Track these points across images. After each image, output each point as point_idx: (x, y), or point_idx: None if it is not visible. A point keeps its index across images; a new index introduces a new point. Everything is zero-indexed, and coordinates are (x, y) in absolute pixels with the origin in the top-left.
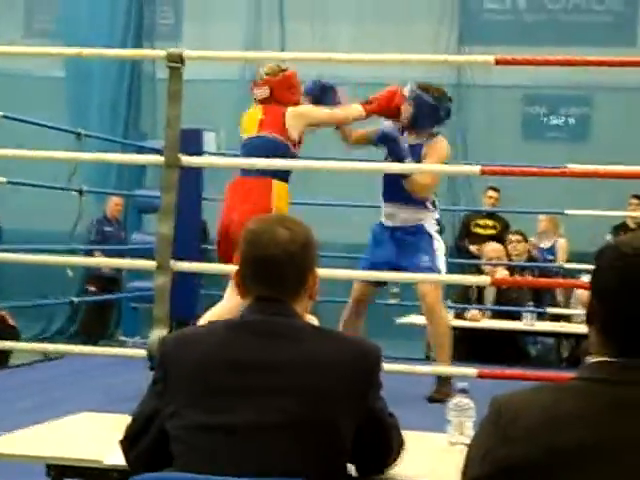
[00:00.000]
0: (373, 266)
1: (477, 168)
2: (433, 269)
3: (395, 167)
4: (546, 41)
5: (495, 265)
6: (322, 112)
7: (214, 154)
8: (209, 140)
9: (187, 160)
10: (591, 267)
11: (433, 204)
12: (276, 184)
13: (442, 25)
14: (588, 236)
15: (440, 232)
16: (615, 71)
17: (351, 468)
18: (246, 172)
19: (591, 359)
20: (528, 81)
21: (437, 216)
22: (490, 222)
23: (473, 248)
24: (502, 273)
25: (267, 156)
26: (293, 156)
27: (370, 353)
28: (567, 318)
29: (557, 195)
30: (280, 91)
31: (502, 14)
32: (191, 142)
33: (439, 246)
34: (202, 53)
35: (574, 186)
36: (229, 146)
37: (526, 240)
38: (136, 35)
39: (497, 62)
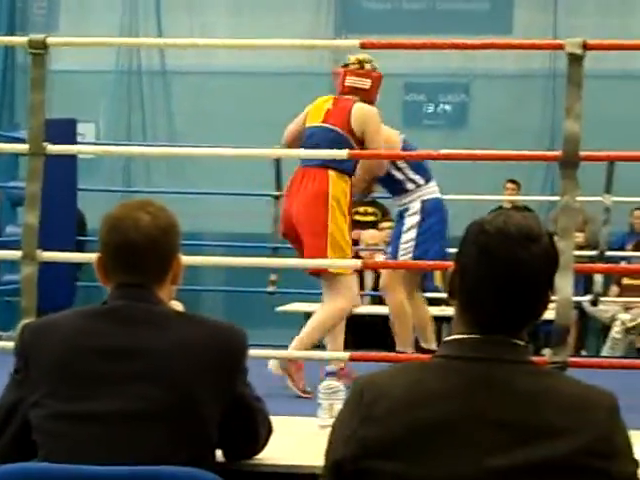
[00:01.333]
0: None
1: (344, 152)
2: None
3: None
4: (424, 30)
5: (372, 251)
6: (379, 140)
7: (91, 144)
8: (88, 131)
9: (53, 148)
10: None
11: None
12: (333, 174)
13: (320, 15)
14: (466, 221)
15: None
16: (492, 59)
17: (220, 454)
18: (306, 162)
19: (451, 336)
20: (407, 70)
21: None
22: (370, 209)
23: (355, 233)
24: (380, 259)
25: (328, 147)
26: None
27: (235, 338)
28: (446, 302)
29: (436, 181)
30: (376, 88)
31: (381, 3)
32: (65, 132)
33: (409, 234)
34: (66, 39)
35: (452, 172)
36: (107, 137)
37: None
38: (9, 25)
39: (362, 46)
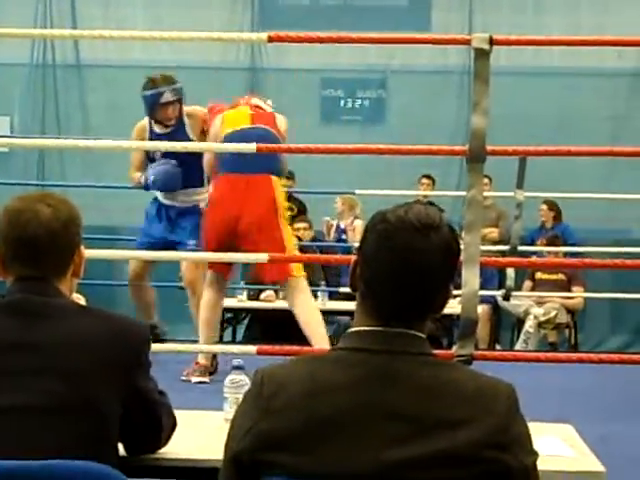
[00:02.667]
0: (150, 242)
1: (253, 146)
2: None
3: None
4: (343, 26)
5: None
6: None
7: (5, 137)
8: (2, 124)
9: None
10: None
11: (208, 180)
12: (275, 179)
13: (236, 10)
14: None
15: None
16: (409, 55)
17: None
18: (241, 169)
19: (352, 328)
20: (325, 65)
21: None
22: (287, 204)
23: None
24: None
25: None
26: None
27: (136, 332)
28: None
29: (352, 177)
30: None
31: None
32: None
33: None
34: None
35: (368, 168)
36: (22, 130)
37: (311, 227)
38: None
39: (270, 39)
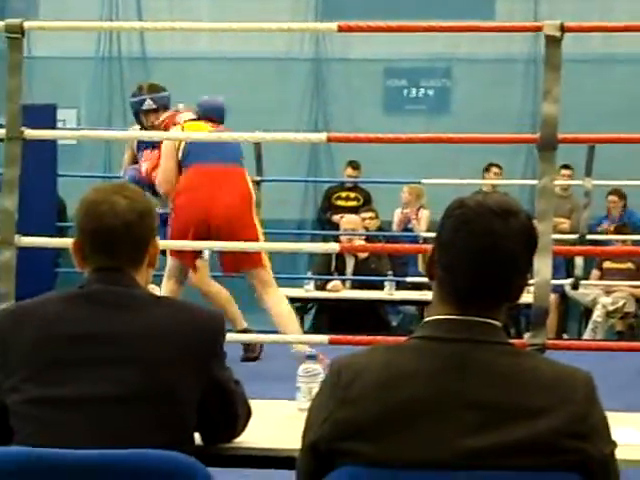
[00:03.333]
0: None
1: (323, 135)
2: None
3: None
4: (406, 15)
5: (351, 235)
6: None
7: (71, 130)
8: (69, 117)
9: (30, 133)
10: None
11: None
12: (245, 172)
13: (301, 0)
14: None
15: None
16: (473, 44)
17: (198, 438)
18: (216, 160)
19: (429, 317)
20: (388, 55)
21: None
22: (352, 194)
23: (337, 217)
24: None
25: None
26: None
27: (211, 322)
28: (428, 287)
29: (418, 167)
30: None
31: None
32: (44, 117)
33: None
34: (43, 23)
35: (434, 158)
36: (89, 123)
37: (377, 216)
38: None
39: (340, 29)
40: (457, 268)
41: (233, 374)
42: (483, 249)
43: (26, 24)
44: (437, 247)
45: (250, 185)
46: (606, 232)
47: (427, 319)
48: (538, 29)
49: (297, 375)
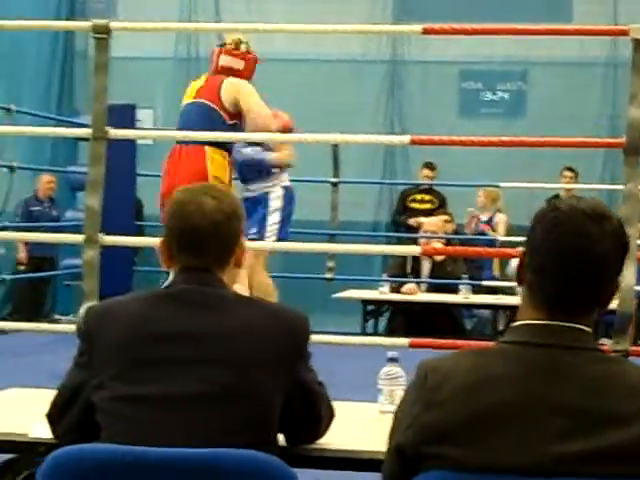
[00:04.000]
0: None
1: (407, 138)
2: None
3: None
4: (482, 17)
5: (430, 238)
6: (254, 99)
7: (150, 129)
8: (146, 117)
9: (114, 132)
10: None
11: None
12: (210, 150)
13: (376, 1)
14: (525, 209)
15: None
16: (549, 46)
17: (282, 438)
18: (181, 141)
19: (517, 322)
20: (464, 57)
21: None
22: (427, 197)
23: (412, 221)
24: (437, 247)
25: (199, 122)
26: (230, 126)
27: (298, 323)
28: (504, 291)
29: (493, 170)
30: (250, 70)
31: None
32: (124, 117)
33: (274, 217)
34: (128, 24)
35: (509, 161)
36: (165, 123)
37: (452, 220)
38: (69, 12)
39: (425, 31)
40: (548, 271)
41: (317, 375)
42: (575, 251)
43: (112, 24)
44: (528, 251)
45: (210, 164)
46: None
47: (515, 324)
48: (623, 33)
49: (378, 378)
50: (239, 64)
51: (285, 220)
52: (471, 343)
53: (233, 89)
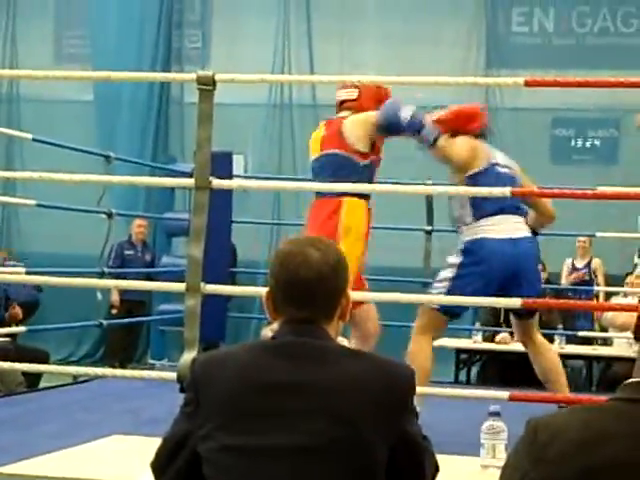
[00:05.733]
0: None
1: (507, 190)
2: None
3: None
4: (574, 65)
5: None
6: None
7: (243, 177)
8: (238, 163)
9: (217, 182)
10: (621, 289)
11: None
12: (348, 202)
13: (470, 48)
14: (618, 259)
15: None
16: None
17: None
18: (318, 193)
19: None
20: (556, 104)
21: (467, 237)
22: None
23: None
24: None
25: (333, 174)
26: (365, 167)
27: (403, 376)
28: (598, 341)
29: (586, 219)
30: (367, 98)
31: (530, 38)
32: (221, 165)
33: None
34: (233, 76)
35: (603, 210)
36: (255, 169)
37: (545, 268)
38: (165, 59)
39: (527, 84)
40: None
41: (421, 429)
42: None
43: (217, 76)
44: None
45: (342, 216)
46: None
47: (629, 381)
48: None
49: (480, 432)
50: (352, 94)
51: (461, 278)
52: (570, 397)
53: (352, 125)
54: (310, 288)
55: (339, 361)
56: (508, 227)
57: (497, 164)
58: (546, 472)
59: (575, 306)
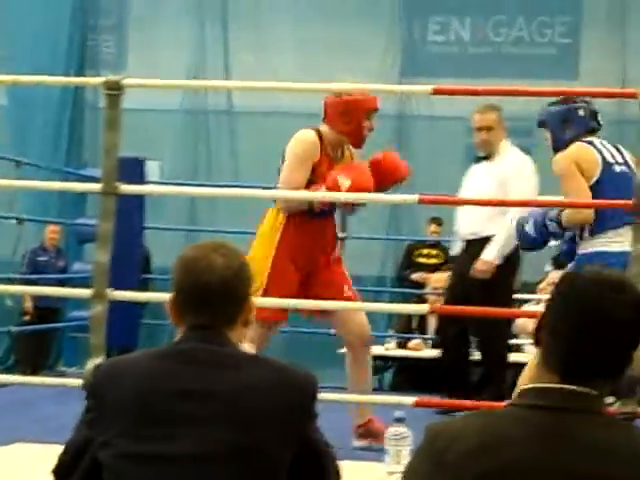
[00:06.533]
0: None
1: (415, 197)
2: None
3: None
4: (489, 74)
5: (439, 294)
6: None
7: (157, 183)
8: (152, 169)
9: (125, 188)
10: (533, 297)
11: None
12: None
13: (386, 56)
14: (530, 266)
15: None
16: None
17: None
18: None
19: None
20: (471, 113)
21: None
22: (434, 251)
23: (416, 276)
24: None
25: None
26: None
27: (306, 382)
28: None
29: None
30: (333, 115)
31: (446, 47)
32: (133, 171)
33: None
34: (141, 81)
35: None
36: (171, 175)
37: None
38: (79, 64)
39: (435, 92)
40: (565, 333)
41: (324, 436)
42: (594, 317)
43: (124, 81)
44: (547, 313)
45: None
46: None
47: (526, 387)
48: (632, 96)
49: (385, 438)
50: (323, 109)
51: None
52: (476, 403)
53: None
54: (212, 294)
55: (241, 367)
56: None
57: None
58: (445, 477)
59: (488, 313)
